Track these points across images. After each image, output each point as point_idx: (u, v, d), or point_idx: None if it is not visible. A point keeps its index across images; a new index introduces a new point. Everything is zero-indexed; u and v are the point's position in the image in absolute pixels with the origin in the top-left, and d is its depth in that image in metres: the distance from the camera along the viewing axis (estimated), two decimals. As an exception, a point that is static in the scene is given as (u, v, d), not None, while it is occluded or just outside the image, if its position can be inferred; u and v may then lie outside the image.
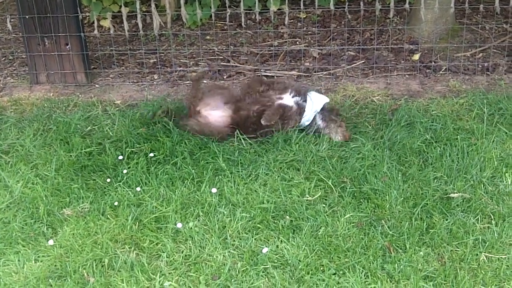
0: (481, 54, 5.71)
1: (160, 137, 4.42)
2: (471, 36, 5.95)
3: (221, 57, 5.88)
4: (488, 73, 5.44)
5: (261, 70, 5.62)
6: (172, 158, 4.22)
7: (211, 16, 6.24)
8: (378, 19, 5.89)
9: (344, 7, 5.45)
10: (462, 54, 5.68)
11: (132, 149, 4.35)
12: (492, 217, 3.56)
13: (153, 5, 5.41)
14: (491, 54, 5.65)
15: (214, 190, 3.87)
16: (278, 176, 4.02)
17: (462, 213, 3.60)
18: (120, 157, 4.26)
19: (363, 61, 5.68)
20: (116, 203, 3.85)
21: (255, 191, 3.90)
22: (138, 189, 3.95)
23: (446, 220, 3.55)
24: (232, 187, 3.93)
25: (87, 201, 3.90)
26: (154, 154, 4.27)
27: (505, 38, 5.87)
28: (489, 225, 3.52)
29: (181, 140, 4.40)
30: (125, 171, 4.09)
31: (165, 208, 3.78)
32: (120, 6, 6.36)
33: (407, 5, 5.23)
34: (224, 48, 6.03)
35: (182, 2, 5.39)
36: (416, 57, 5.68)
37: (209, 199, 3.83)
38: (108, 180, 4.05)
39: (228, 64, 5.77)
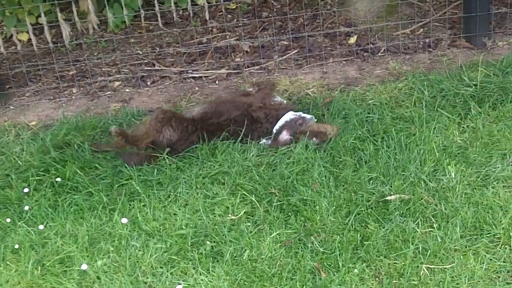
0: (421, 29, 5.31)
1: (69, 161, 3.96)
2: (410, 10, 5.54)
3: (146, 61, 5.41)
4: (430, 49, 5.04)
5: (188, 71, 5.17)
6: (82, 185, 3.77)
7: (135, 17, 5.82)
8: (309, 3, 5.45)
9: (271, -6, 5.01)
10: (401, 32, 5.27)
11: (39, 178, 3.88)
12: (434, 219, 3.16)
13: (59, 16, 4.91)
14: (432, 29, 5.25)
15: (124, 220, 3.42)
16: (201, 194, 3.59)
17: (400, 218, 3.20)
18: (26, 190, 3.80)
19: (296, 51, 5.25)
20: (16, 246, 3.39)
21: (174, 214, 3.47)
22: (42, 227, 3.49)
23: (383, 228, 3.15)
24: (148, 213, 3.49)
25: (-13, 246, 3.44)
26: (63, 182, 3.81)
27: (447, 10, 5.47)
28: (430, 229, 3.12)
29: (92, 163, 3.95)
30: (27, 208, 3.62)
31: (71, 246, 3.33)
32: (37, 17, 5.89)
33: (337, -15, 4.80)
34: (149, 51, 5.56)
35: (91, 8, 4.92)
36: (353, 40, 5.26)
37: (120, 230, 3.39)
38: (9, 220, 3.58)
39: (153, 68, 5.30)
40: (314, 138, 3.86)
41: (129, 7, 5.57)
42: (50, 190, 3.75)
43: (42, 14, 4.84)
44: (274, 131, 3.99)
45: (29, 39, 5.77)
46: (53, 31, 5.82)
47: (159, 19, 5.00)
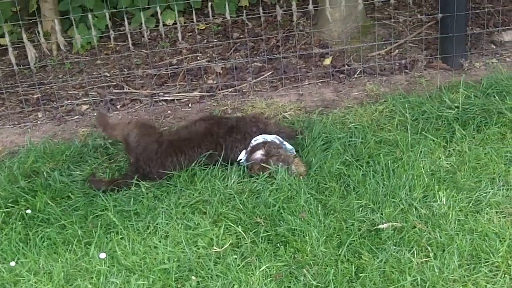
0: (397, 50, 5.26)
1: (40, 191, 3.74)
2: (384, 31, 5.49)
3: (114, 84, 5.21)
4: (406, 71, 4.98)
5: (159, 94, 4.99)
6: (54, 216, 3.55)
7: (101, 37, 5.63)
8: (282, 24, 5.36)
9: (243, 14, 4.88)
10: (377, 53, 5.22)
11: (8, 210, 3.65)
12: (429, 248, 3.05)
13: (24, 36, 4.68)
14: (408, 49, 5.21)
15: (103, 255, 3.22)
16: (181, 225, 3.42)
17: (394, 247, 3.08)
18: (-7, 223, 3.56)
19: (271, 72, 5.13)
20: (-14, 285, 3.15)
21: (155, 247, 3.29)
22: (13, 263, 3.26)
23: (377, 258, 3.02)
24: (126, 247, 3.30)
25: (-47, 288, 3.20)
26: (33, 213, 3.58)
27: (421, 30, 5.44)
28: (427, 259, 3.01)
29: (63, 193, 3.74)
30: (-4, 243, 3.39)
31: (46, 285, 3.11)
32: (-2, 37, 5.64)
33: (310, 6, 4.70)
34: (116, 73, 5.36)
35: (57, 28, 4.70)
36: (328, 61, 5.18)
37: (98, 266, 3.18)
38: (-23, 257, 3.34)
39: (122, 91, 5.11)
40: (281, 164, 3.72)
41: (96, 27, 5.38)
42: (20, 223, 3.53)
43: (6, 35, 4.60)
44: (253, 142, 3.85)
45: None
46: (15, 53, 5.57)
47: (129, 39, 4.81)
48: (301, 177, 3.66)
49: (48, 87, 5.21)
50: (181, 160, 3.85)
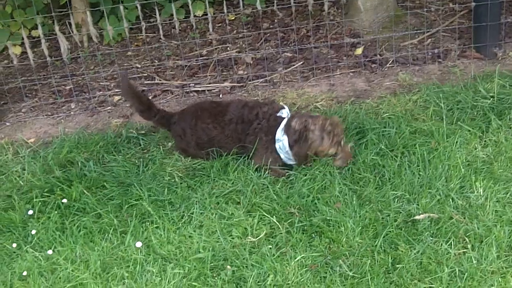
0: (429, 39, 5.20)
1: (75, 181, 3.78)
2: (416, 20, 5.43)
3: (145, 75, 5.24)
4: (439, 60, 4.92)
5: (190, 85, 5.00)
6: (90, 206, 3.58)
7: (131, 29, 5.65)
8: (312, 13, 5.32)
9: (273, 4, 4.86)
10: (409, 42, 5.16)
11: (44, 199, 3.69)
12: (467, 239, 3.02)
13: (57, 28, 4.72)
14: (441, 39, 5.14)
15: (138, 244, 3.24)
16: (216, 214, 3.43)
17: (431, 238, 3.05)
18: (30, 212, 3.62)
19: (301, 63, 5.11)
20: (25, 273, 3.20)
21: (189, 236, 3.30)
22: (50, 252, 3.30)
23: (414, 249, 3.00)
24: (161, 236, 3.32)
25: (-9, 273, 3.25)
26: (69, 203, 3.62)
27: (454, 19, 5.37)
28: (464, 250, 2.98)
29: (98, 182, 3.77)
30: (33, 232, 3.43)
31: (83, 273, 3.14)
32: (30, 30, 5.71)
33: (343, -4, 4.68)
34: (147, 64, 5.38)
35: (89, 20, 4.73)
36: (359, 51, 5.14)
37: (134, 255, 3.21)
38: (15, 245, 3.38)
39: (153, 82, 5.13)
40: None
41: (126, 19, 5.41)
42: (56, 212, 3.57)
43: (40, 27, 4.65)
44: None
45: (22, 53, 5.59)
46: (46, 44, 5.62)
47: (161, 31, 4.84)
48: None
49: (80, 79, 5.25)
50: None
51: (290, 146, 3.62)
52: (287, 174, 3.68)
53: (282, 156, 3.70)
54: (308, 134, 3.57)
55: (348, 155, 3.64)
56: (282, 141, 3.66)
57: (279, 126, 3.69)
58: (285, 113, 3.76)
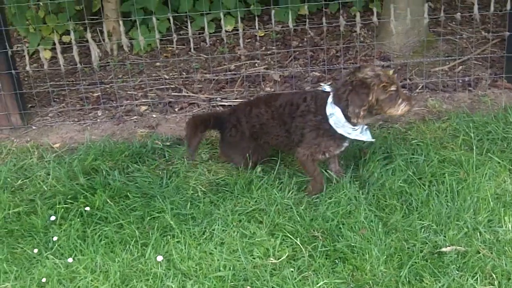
0: (460, 67, 5.15)
1: (99, 190, 3.77)
2: (447, 47, 5.39)
3: (172, 86, 5.24)
4: (470, 88, 4.87)
5: (217, 99, 4.99)
6: (112, 215, 3.57)
7: (161, 40, 5.67)
8: (343, 34, 5.31)
9: (305, 23, 4.84)
10: (440, 69, 5.11)
11: (67, 206, 3.69)
12: (494, 276, 2.95)
13: (88, 35, 4.75)
14: (472, 67, 5.09)
15: (159, 258, 3.22)
16: (237, 232, 3.40)
17: (457, 272, 2.99)
18: (53, 217, 3.62)
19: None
20: (44, 280, 3.19)
21: (210, 253, 3.27)
22: (71, 260, 3.29)
23: (439, 282, 2.94)
24: (182, 251, 3.29)
25: (11, 277, 3.24)
26: (92, 211, 3.62)
27: (486, 47, 5.32)
28: (491, 286, 2.91)
29: (122, 192, 3.76)
30: (55, 238, 3.42)
31: (102, 283, 3.12)
32: (61, 35, 5.74)
33: (375, 18, 4.64)
34: (175, 76, 5.39)
35: (121, 29, 4.74)
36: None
37: (154, 268, 3.19)
38: (36, 250, 3.38)
39: (180, 94, 5.13)
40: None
41: (158, 30, 5.43)
42: (78, 219, 3.57)
43: (72, 33, 4.68)
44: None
45: (52, 57, 5.63)
46: (77, 50, 5.66)
47: (191, 43, 4.83)
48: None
49: (108, 87, 5.27)
50: None
51: (345, 114, 3.45)
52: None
53: (342, 131, 3.51)
54: (357, 87, 3.38)
55: (409, 97, 3.50)
56: (334, 114, 3.49)
57: (326, 103, 3.54)
58: (327, 88, 3.65)
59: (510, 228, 3.24)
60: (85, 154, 4.24)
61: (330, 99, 3.53)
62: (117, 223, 3.53)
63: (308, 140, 3.62)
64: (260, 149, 3.91)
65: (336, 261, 3.13)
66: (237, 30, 5.18)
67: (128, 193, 3.76)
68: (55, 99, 5.15)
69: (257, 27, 4.89)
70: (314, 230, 3.34)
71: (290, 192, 3.69)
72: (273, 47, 5.66)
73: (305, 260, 3.16)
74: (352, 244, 3.18)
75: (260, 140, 3.89)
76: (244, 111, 3.92)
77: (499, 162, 3.76)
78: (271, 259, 3.19)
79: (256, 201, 3.64)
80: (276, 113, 3.76)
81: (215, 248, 3.30)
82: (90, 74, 5.47)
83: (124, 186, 3.84)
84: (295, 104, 3.68)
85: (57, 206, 3.68)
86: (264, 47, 5.74)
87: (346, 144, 3.66)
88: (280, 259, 3.18)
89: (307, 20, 4.97)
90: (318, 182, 3.66)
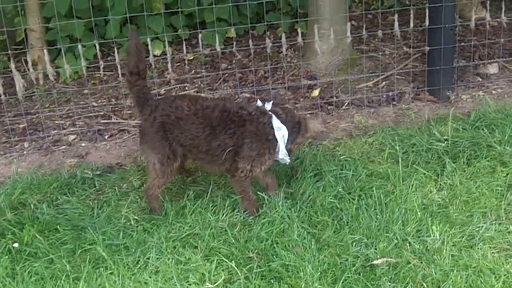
0: (384, 82, 5.30)
1: (27, 224, 3.67)
2: (371, 63, 5.54)
3: (101, 113, 5.17)
4: (394, 103, 5.01)
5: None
6: (42, 250, 3.48)
7: (88, 67, 5.60)
8: (270, 55, 5.37)
9: (233, 45, 4.89)
10: (364, 85, 5.24)
11: (-6, 243, 3.57)
12: (425, 285, 3.03)
13: (12, 65, 4.64)
14: (395, 82, 5.24)
15: (92, 291, 3.16)
16: (172, 259, 3.37)
17: (389, 284, 3.05)
18: (-21, 256, 3.48)
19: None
20: (-29, 322, 3.07)
21: (145, 283, 3.23)
22: (0, 299, 3.18)
23: (373, 295, 3.00)
24: (116, 282, 3.24)
25: None
26: (20, 247, 3.51)
27: (408, 62, 5.49)
28: (422, 296, 2.99)
29: (51, 225, 3.67)
30: (-18, 277, 3.31)
31: (33, 322, 3.03)
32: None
33: (300, 39, 4.73)
34: (104, 103, 5.32)
35: (46, 58, 4.66)
36: (316, 93, 5.19)
37: (87, 302, 3.12)
38: (-39, 291, 3.26)
39: (110, 121, 5.07)
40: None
41: (84, 57, 5.36)
42: (6, 256, 3.46)
43: (-6, 64, 4.57)
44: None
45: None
46: (1, 81, 5.52)
47: (119, 69, 4.80)
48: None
49: (35, 117, 5.15)
50: None
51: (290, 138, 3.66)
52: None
53: (281, 147, 3.62)
54: (306, 124, 3.73)
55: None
56: (282, 129, 3.61)
57: (272, 116, 3.62)
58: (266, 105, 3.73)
59: (438, 237, 3.33)
60: (12, 188, 4.12)
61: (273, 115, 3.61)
62: (47, 258, 3.43)
63: (247, 151, 3.57)
64: (169, 149, 3.67)
65: (272, 281, 3.14)
66: (166, 54, 5.18)
67: (58, 226, 3.68)
68: (-21, 133, 5.00)
69: (185, 51, 4.89)
70: (249, 251, 3.35)
71: (224, 214, 3.68)
72: (202, 70, 5.67)
73: (241, 282, 3.15)
74: (287, 263, 3.20)
75: (170, 135, 3.65)
76: (167, 100, 3.76)
77: (424, 173, 3.88)
78: (207, 284, 3.17)
79: (190, 226, 3.62)
80: (201, 112, 3.61)
81: (150, 277, 3.25)
82: (15, 105, 5.34)
83: (53, 219, 3.75)
84: (232, 111, 3.61)
85: (-16, 244, 3.55)
86: (193, 71, 5.75)
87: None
88: (216, 284, 3.17)
89: (235, 42, 5.01)
90: (252, 200, 3.68)
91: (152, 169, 3.72)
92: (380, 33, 4.89)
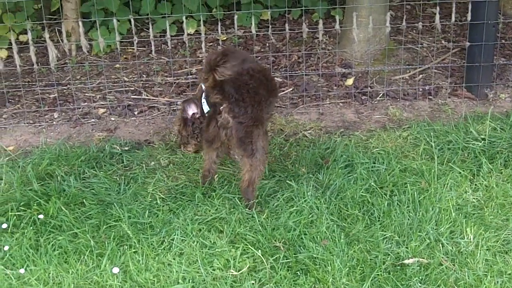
0: (421, 75, 5.17)
1: (53, 196, 3.64)
2: (408, 55, 5.41)
3: (132, 89, 5.12)
4: (430, 97, 4.89)
5: (177, 102, 4.90)
6: (67, 223, 3.45)
7: (121, 42, 5.54)
8: (305, 40, 5.26)
9: (267, 28, 4.79)
10: (401, 77, 5.12)
11: (20, 213, 3.55)
12: (457, 289, 2.94)
13: (46, 35, 4.60)
14: (432, 76, 5.11)
15: (115, 270, 3.11)
16: (197, 242, 3.31)
17: (420, 285, 2.97)
18: (4, 225, 3.47)
19: (291, 89, 5.04)
20: (-7, 292, 3.05)
21: (169, 264, 3.18)
22: (22, 271, 3.16)
23: (402, 295, 2.92)
24: (139, 261, 3.19)
25: (-42, 290, 3.10)
26: (45, 219, 3.48)
27: (446, 56, 5.35)
28: (453, 300, 2.90)
29: (77, 199, 3.64)
30: (6, 247, 3.28)
31: (55, 296, 3.00)
32: (18, 34, 5.57)
33: (337, 26, 4.63)
34: (135, 78, 5.27)
35: (81, 30, 4.61)
36: (350, 81, 5.09)
37: (110, 280, 3.08)
38: (-15, 260, 3.24)
39: (140, 97, 5.02)
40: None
41: (118, 31, 5.31)
42: (31, 228, 3.43)
43: (29, 32, 4.53)
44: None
45: (8, 57, 5.45)
46: (34, 50, 5.49)
47: (152, 46, 4.74)
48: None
49: (66, 88, 5.12)
50: None
51: None
52: None
53: None
54: None
55: None
56: None
57: None
58: None
59: (472, 240, 3.23)
60: (39, 158, 4.10)
61: None
62: (72, 232, 3.40)
63: None
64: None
65: (298, 273, 3.07)
66: (199, 33, 5.10)
67: (84, 200, 3.64)
68: (10, 100, 4.98)
69: (219, 31, 4.80)
70: (275, 240, 3.28)
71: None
72: (235, 52, 5.58)
73: (267, 272, 3.09)
74: (314, 256, 3.13)
75: None
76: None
77: (460, 172, 3.77)
78: (232, 270, 3.11)
79: (216, 209, 3.56)
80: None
81: (174, 259, 3.20)
82: (47, 75, 5.32)
83: (79, 193, 3.71)
84: None
85: (9, 213, 3.52)
86: (225, 51, 5.65)
87: None
88: (241, 271, 3.11)
89: (270, 25, 4.91)
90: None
91: (260, 156, 3.51)
92: (419, 25, 4.77)
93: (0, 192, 3.79)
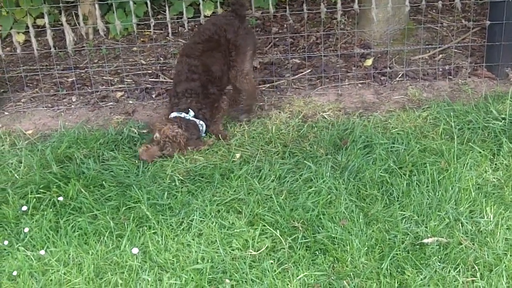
0: (440, 55, 5.10)
1: (73, 178, 3.66)
2: (428, 35, 5.34)
3: (149, 72, 5.13)
4: (450, 77, 4.83)
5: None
6: (86, 205, 3.47)
7: (138, 24, 5.54)
8: (324, 21, 5.22)
9: (285, 9, 4.76)
10: (420, 57, 5.06)
11: (39, 196, 3.58)
12: (476, 267, 2.92)
13: (63, 19, 4.61)
14: (452, 55, 5.05)
15: (135, 250, 3.13)
16: (216, 223, 3.32)
17: (439, 264, 2.95)
18: (24, 208, 3.50)
19: (310, 70, 5.01)
20: (15, 273, 3.08)
21: (188, 245, 3.19)
22: (43, 252, 3.19)
23: (421, 274, 2.90)
24: (159, 242, 3.21)
25: (-20, 270, 3.14)
26: (65, 201, 3.51)
27: (466, 36, 5.28)
28: (473, 278, 2.87)
29: (96, 181, 3.66)
30: (26, 229, 3.31)
31: (75, 276, 3.03)
32: (35, 18, 5.58)
33: (356, 6, 4.58)
34: (152, 61, 5.27)
35: (97, 13, 4.61)
36: (369, 62, 5.04)
37: (130, 261, 3.10)
38: (6, 242, 3.27)
39: (157, 80, 5.02)
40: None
41: (134, 14, 5.30)
42: (51, 210, 3.46)
43: (46, 16, 4.53)
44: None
45: (26, 41, 5.47)
46: (51, 34, 5.50)
47: (169, 28, 4.72)
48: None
49: (83, 72, 5.13)
50: None
51: None
52: None
53: None
54: None
55: None
56: None
57: None
58: None
59: (491, 219, 3.20)
60: (58, 142, 4.12)
61: None
62: (91, 213, 3.43)
63: None
64: None
65: (317, 252, 3.07)
66: (215, 14, 5.07)
67: (103, 182, 3.66)
68: (28, 84, 5.01)
69: (236, 12, 4.77)
70: (294, 221, 3.28)
71: (271, 180, 3.61)
72: (253, 33, 5.55)
73: (285, 252, 3.09)
74: (333, 235, 3.12)
75: None
76: None
77: (480, 152, 3.73)
78: (250, 250, 3.12)
79: (235, 191, 3.57)
80: None
81: (193, 240, 3.22)
82: (64, 59, 5.33)
83: (99, 175, 3.73)
84: None
85: (29, 195, 3.56)
86: (243, 33, 5.62)
87: None
88: (260, 251, 3.12)
89: (287, 6, 4.87)
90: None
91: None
92: (439, 4, 4.70)
93: (20, 175, 3.83)
